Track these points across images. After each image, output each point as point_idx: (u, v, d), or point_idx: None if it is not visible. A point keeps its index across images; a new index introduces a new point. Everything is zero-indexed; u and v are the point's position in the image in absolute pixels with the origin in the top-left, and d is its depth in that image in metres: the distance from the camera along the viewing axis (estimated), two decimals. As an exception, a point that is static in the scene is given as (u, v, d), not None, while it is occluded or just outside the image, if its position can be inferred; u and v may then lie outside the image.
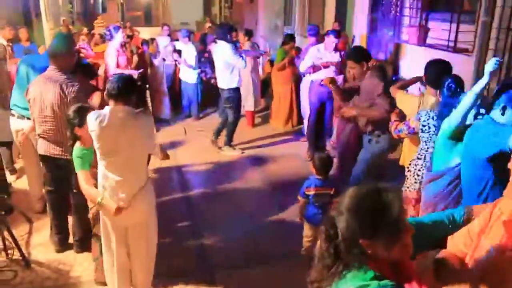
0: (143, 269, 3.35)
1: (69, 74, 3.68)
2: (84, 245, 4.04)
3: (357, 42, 8.40)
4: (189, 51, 8.03)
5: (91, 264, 3.85)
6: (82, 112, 3.26)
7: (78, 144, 3.29)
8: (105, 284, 3.53)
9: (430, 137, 3.38)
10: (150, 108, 8.26)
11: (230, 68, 6.42)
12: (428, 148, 3.43)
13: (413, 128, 3.49)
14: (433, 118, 3.36)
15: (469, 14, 5.63)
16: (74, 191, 3.66)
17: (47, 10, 15.37)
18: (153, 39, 8.52)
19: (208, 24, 14.16)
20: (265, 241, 4.33)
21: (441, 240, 1.77)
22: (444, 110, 3.10)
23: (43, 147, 3.73)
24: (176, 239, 4.43)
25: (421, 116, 3.43)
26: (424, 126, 3.41)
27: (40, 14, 14.37)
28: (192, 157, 6.64)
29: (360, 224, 1.42)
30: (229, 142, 6.87)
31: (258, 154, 6.77)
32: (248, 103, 7.87)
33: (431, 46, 6.09)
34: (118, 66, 6.91)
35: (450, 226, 1.79)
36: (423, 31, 6.29)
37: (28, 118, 4.00)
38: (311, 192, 3.67)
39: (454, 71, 5.75)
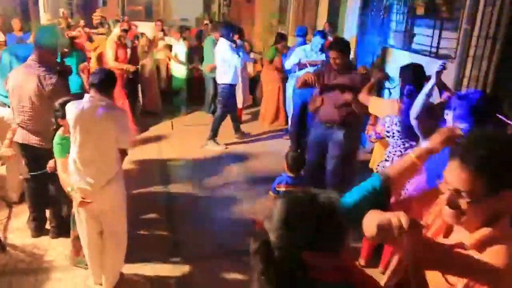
0: (112, 254, 3.47)
1: (49, 67, 3.74)
2: (60, 231, 4.14)
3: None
4: (180, 47, 8.11)
5: (66, 249, 3.95)
6: (66, 105, 3.38)
7: (59, 132, 3.42)
8: (80, 263, 3.74)
9: (396, 142, 3.46)
10: (141, 101, 8.37)
11: (226, 64, 6.63)
12: (395, 151, 3.50)
13: (379, 133, 3.58)
14: (396, 124, 3.43)
15: (452, 22, 5.74)
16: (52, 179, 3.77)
17: (45, 0, 15.43)
18: (142, 34, 8.59)
19: (206, 21, 14.21)
20: (238, 235, 4.40)
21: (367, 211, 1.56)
22: (405, 116, 3.20)
23: (22, 136, 3.81)
24: (152, 229, 4.52)
25: (386, 122, 3.51)
26: (388, 132, 3.49)
27: (37, 4, 14.43)
28: (176, 151, 6.73)
29: (299, 236, 1.28)
30: (213, 136, 6.98)
31: (241, 150, 6.87)
32: (239, 100, 7.94)
33: (415, 51, 6.19)
34: (117, 59, 6.98)
35: (371, 194, 1.62)
36: (409, 36, 6.41)
37: (9, 106, 4.07)
38: (282, 189, 3.75)
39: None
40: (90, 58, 7.88)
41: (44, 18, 15.03)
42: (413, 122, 3.02)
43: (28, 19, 13.25)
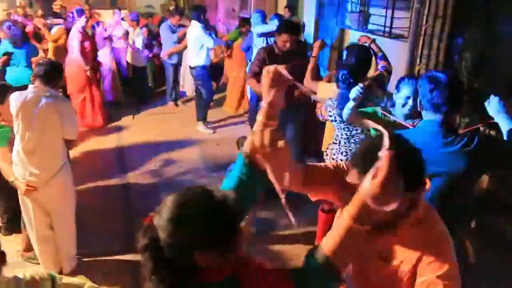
0: (63, 241, 3.50)
1: None
2: (12, 227, 4.08)
3: (308, 28, 8.51)
4: (137, 35, 7.98)
5: (18, 245, 3.89)
6: (3, 90, 3.32)
7: None
8: (31, 259, 3.73)
9: (338, 125, 3.48)
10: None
11: (199, 46, 6.68)
12: (341, 134, 3.51)
13: (323, 116, 3.60)
14: (336, 107, 3.43)
15: (406, 1, 5.78)
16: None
17: (0, -10, 14.92)
18: (100, 22, 8.44)
19: (171, 7, 14.01)
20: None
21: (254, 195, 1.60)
22: (341, 102, 3.23)
23: None
24: (108, 220, 4.48)
25: (327, 105, 3.53)
26: (330, 116, 3.51)
27: (-8, -7, 13.95)
28: (136, 140, 6.69)
29: (190, 235, 1.23)
30: (203, 118, 7.10)
31: (203, 136, 6.83)
32: (187, 87, 7.90)
33: (371, 31, 6.21)
34: (83, 50, 6.82)
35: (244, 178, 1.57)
36: (364, 17, 6.43)
37: None
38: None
39: (391, 56, 5.96)
40: (47, 50, 7.72)
41: (0, 7, 14.59)
42: (346, 120, 3.04)
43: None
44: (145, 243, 1.26)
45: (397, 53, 5.81)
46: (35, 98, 3.13)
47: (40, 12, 13.18)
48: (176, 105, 8.29)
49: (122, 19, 9.53)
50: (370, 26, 6.38)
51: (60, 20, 8.64)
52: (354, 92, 2.85)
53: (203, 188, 1.32)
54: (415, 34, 5.44)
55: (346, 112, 2.93)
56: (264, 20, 7.03)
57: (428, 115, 2.27)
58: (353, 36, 6.96)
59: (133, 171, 5.59)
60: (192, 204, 1.26)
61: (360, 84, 2.87)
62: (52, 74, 3.26)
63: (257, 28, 6.39)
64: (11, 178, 3.19)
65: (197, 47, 6.74)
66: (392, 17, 5.68)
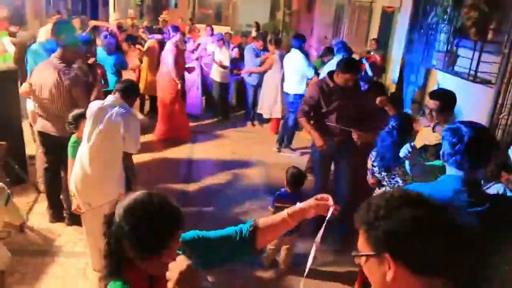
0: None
1: (68, 62, 4.05)
2: (74, 218, 4.38)
3: (392, 62, 8.33)
4: (224, 53, 8.28)
5: (75, 237, 4.20)
6: (79, 118, 3.69)
7: (74, 135, 3.75)
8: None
9: (382, 177, 3.34)
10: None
11: (300, 75, 6.83)
12: (384, 188, 3.36)
13: (371, 169, 3.45)
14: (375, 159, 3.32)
15: (497, 44, 5.45)
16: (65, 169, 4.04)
17: (115, 1, 16.32)
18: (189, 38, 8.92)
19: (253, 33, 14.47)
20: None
21: (231, 256, 1.75)
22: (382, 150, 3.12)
23: (40, 124, 4.15)
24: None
25: (372, 155, 3.41)
26: (374, 166, 3.39)
27: (107, 4, 15.28)
28: (207, 153, 6.95)
29: (128, 227, 1.40)
30: (289, 144, 7.22)
31: (271, 159, 6.88)
32: (275, 110, 7.98)
33: (456, 73, 5.93)
34: (176, 63, 7.19)
35: (237, 239, 1.73)
36: (451, 58, 6.15)
37: None
38: (279, 204, 3.76)
39: (474, 102, 5.65)
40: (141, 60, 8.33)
41: (113, 17, 15.92)
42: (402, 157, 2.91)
43: (97, 18, 14.08)
44: (105, 221, 1.49)
45: (481, 99, 5.49)
46: (110, 106, 3.43)
47: (145, 23, 14.21)
48: (253, 125, 8.47)
49: (211, 35, 10.00)
50: (456, 68, 6.09)
51: (158, 35, 9.20)
52: (403, 151, 2.74)
53: (154, 193, 1.49)
54: (502, 80, 5.12)
55: (403, 151, 2.80)
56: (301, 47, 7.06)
57: (450, 170, 2.12)
58: (437, 77, 6.70)
59: (195, 182, 5.80)
60: (135, 202, 1.45)
61: (411, 143, 2.75)
62: (130, 92, 3.62)
63: (326, 67, 6.39)
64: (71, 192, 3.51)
65: (298, 76, 6.85)
66: (479, 61, 5.37)
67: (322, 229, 1.64)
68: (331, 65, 6.28)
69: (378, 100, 4.05)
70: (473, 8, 5.23)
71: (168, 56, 7.20)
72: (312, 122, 4.53)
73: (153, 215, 1.42)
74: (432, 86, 6.98)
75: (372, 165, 3.35)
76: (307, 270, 1.63)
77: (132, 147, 3.57)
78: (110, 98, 3.51)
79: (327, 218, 1.67)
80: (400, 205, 1.24)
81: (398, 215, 1.22)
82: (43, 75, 3.98)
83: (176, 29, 7.66)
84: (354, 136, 4.23)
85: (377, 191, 3.48)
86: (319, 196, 1.78)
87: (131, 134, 3.48)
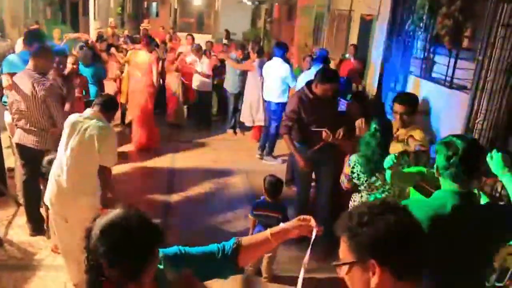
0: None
1: (43, 73, 4.04)
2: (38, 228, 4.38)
3: (372, 69, 8.45)
4: (203, 62, 8.31)
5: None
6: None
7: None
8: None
9: (361, 183, 3.37)
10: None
11: (282, 84, 6.86)
12: (361, 195, 3.41)
13: (348, 175, 3.44)
14: (361, 164, 3.33)
15: (471, 52, 5.58)
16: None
17: (96, 10, 16.25)
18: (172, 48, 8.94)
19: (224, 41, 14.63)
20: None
21: (213, 273, 1.74)
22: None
23: (18, 136, 4.13)
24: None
25: (350, 162, 3.41)
26: (353, 172, 3.39)
27: (88, 13, 15.21)
28: (189, 162, 6.94)
29: (104, 249, 1.37)
30: (271, 152, 7.24)
31: (253, 166, 6.90)
32: (258, 118, 8.02)
33: (432, 79, 6.06)
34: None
35: (219, 256, 1.72)
36: (428, 64, 6.27)
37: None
38: (259, 212, 3.78)
39: (450, 107, 5.76)
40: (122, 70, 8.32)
41: (93, 26, 15.86)
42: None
43: (77, 27, 14.00)
44: (86, 235, 1.44)
45: (456, 105, 5.61)
46: (87, 119, 3.42)
47: (126, 32, 14.17)
48: (235, 133, 8.50)
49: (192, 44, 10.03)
50: (433, 74, 6.21)
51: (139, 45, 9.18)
52: (388, 162, 2.77)
53: (132, 211, 1.45)
54: (477, 86, 5.23)
55: (388, 161, 2.79)
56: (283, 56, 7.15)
57: (445, 184, 2.14)
58: (415, 83, 6.82)
59: (177, 192, 5.80)
60: (112, 222, 1.41)
61: (394, 154, 2.79)
62: (109, 106, 3.61)
63: (302, 76, 6.41)
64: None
65: (280, 84, 6.87)
66: (454, 67, 5.50)
67: (308, 251, 1.66)
68: (308, 75, 6.33)
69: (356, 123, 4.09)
70: (447, 16, 5.36)
71: (152, 67, 7.22)
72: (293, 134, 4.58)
73: (130, 237, 1.38)
74: (411, 92, 7.10)
75: (351, 171, 3.38)
76: None
77: (109, 160, 3.55)
78: (88, 111, 3.50)
79: (311, 240, 1.69)
80: (383, 212, 1.27)
81: (382, 220, 1.25)
82: (21, 86, 3.96)
83: (153, 39, 7.66)
84: (324, 135, 4.28)
85: (354, 197, 3.53)
86: (301, 217, 1.77)
87: (107, 148, 3.46)
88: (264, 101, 7.27)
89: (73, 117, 3.45)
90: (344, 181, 3.51)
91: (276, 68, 6.89)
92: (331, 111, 4.42)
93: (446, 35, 5.33)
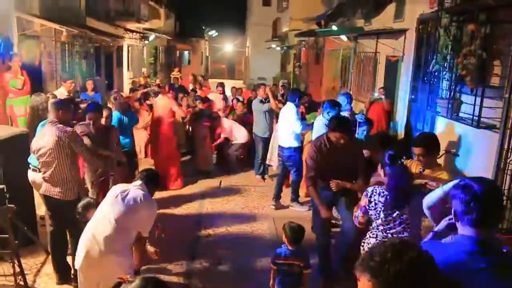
0: None
1: (65, 123, 4.27)
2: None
3: (399, 110, 8.40)
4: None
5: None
6: (87, 207, 3.92)
7: None
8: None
9: (378, 213, 3.33)
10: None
11: (290, 130, 6.80)
12: (378, 225, 3.37)
13: (365, 207, 3.41)
14: (379, 194, 3.32)
15: (499, 90, 5.48)
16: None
17: (129, 61, 16.94)
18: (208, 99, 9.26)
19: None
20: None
21: None
22: (390, 182, 3.12)
23: (44, 188, 4.27)
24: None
25: (368, 192, 3.39)
26: (370, 202, 3.37)
27: (122, 65, 15.87)
28: (216, 207, 6.98)
29: None
30: (296, 198, 7.14)
31: (280, 213, 6.86)
32: (272, 158, 8.02)
33: (460, 119, 5.94)
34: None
35: None
36: (455, 104, 6.16)
37: (40, 170, 4.50)
38: (281, 261, 3.73)
39: (479, 147, 5.61)
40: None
41: (127, 76, 16.50)
42: (426, 212, 2.90)
43: (111, 77, 14.62)
44: None
45: (486, 144, 5.47)
46: (133, 189, 3.65)
47: (158, 81, 14.66)
48: (263, 179, 8.48)
49: (222, 93, 10.30)
50: (461, 114, 6.09)
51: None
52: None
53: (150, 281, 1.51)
54: (505, 125, 5.11)
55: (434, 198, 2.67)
56: (350, 102, 7.11)
57: (463, 230, 2.02)
58: (442, 123, 6.72)
59: (204, 238, 5.85)
60: None
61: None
62: (153, 182, 3.89)
63: (321, 118, 6.33)
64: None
65: (289, 129, 6.82)
66: (481, 106, 5.39)
67: None
68: (318, 121, 6.41)
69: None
70: (469, 55, 5.31)
71: (174, 106, 7.68)
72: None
73: None
74: (439, 133, 6.98)
75: (369, 200, 3.35)
76: None
77: (147, 230, 3.73)
78: (135, 184, 3.73)
79: None
80: (404, 249, 1.38)
81: (405, 257, 1.34)
82: (44, 139, 4.17)
83: (173, 84, 8.00)
84: (332, 185, 4.44)
85: (368, 240, 3.46)
86: None
87: (147, 218, 3.67)
88: (279, 147, 7.17)
89: (119, 187, 3.69)
90: (359, 216, 3.46)
91: (286, 113, 6.90)
92: (347, 156, 4.48)
93: (468, 75, 5.26)
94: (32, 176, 4.90)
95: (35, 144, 4.23)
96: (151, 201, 3.75)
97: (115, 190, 3.62)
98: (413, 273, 1.31)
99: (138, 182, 3.74)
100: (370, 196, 3.36)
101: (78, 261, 3.51)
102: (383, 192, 3.30)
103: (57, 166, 4.12)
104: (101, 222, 3.48)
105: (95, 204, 3.87)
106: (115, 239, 3.47)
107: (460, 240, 2.03)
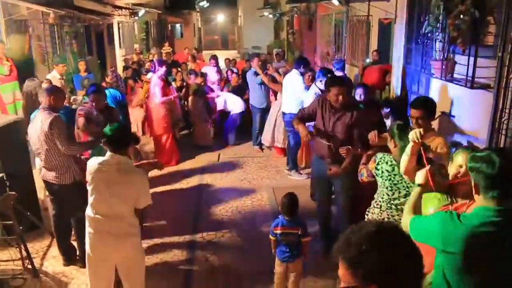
0: None
1: (51, 109, 4.15)
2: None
3: (394, 73, 8.36)
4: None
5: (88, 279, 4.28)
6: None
7: None
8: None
9: (383, 181, 3.34)
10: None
11: (296, 98, 6.76)
12: (383, 195, 3.37)
13: (371, 171, 3.44)
14: (387, 162, 3.33)
15: (493, 48, 5.44)
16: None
17: (121, 38, 16.72)
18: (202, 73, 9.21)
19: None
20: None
21: None
22: None
23: (42, 173, 4.32)
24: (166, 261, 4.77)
25: (376, 158, 3.40)
26: (377, 169, 3.38)
27: (113, 42, 15.66)
28: (216, 181, 7.06)
29: None
30: (294, 166, 7.18)
31: (280, 183, 6.94)
32: (278, 138, 7.96)
33: (452, 80, 5.91)
34: (165, 95, 7.51)
35: None
36: (449, 65, 6.13)
37: None
38: (278, 231, 3.78)
39: (474, 107, 5.62)
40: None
41: (119, 53, 16.32)
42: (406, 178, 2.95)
43: (103, 56, 14.46)
44: None
45: (481, 105, 5.47)
46: (110, 170, 3.39)
47: (150, 57, 14.51)
48: (261, 149, 8.52)
49: (215, 66, 10.23)
50: (455, 75, 6.06)
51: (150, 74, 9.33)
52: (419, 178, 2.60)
53: None
54: (499, 84, 5.09)
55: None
56: (343, 69, 7.07)
57: (485, 202, 2.03)
58: (436, 85, 6.70)
59: (206, 211, 5.95)
60: None
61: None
62: (120, 144, 3.46)
63: (313, 87, 6.31)
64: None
65: (293, 96, 6.81)
66: (474, 67, 5.35)
67: None
68: (311, 90, 6.39)
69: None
70: (461, 15, 5.24)
71: (155, 89, 7.46)
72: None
73: None
74: (434, 95, 6.97)
75: (376, 167, 3.37)
76: None
77: (146, 201, 3.54)
78: (106, 157, 3.43)
79: None
80: (380, 239, 1.38)
81: (380, 248, 1.35)
82: (34, 126, 4.17)
83: (161, 63, 7.78)
84: (342, 151, 4.36)
85: (373, 210, 3.49)
86: None
87: (142, 191, 3.48)
88: (282, 113, 7.19)
89: (93, 164, 3.42)
90: (363, 174, 3.52)
91: (291, 81, 6.89)
92: (344, 121, 4.41)
93: (459, 37, 5.20)
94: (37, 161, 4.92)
95: (28, 131, 4.24)
96: (134, 169, 3.55)
97: (94, 168, 3.40)
98: (391, 263, 1.34)
99: (108, 150, 3.44)
100: (378, 163, 3.37)
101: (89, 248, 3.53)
102: (391, 161, 3.31)
103: (47, 152, 4.12)
104: (98, 206, 3.44)
105: None
106: (125, 218, 3.45)
107: (482, 212, 2.03)
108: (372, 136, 4.03)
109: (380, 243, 1.37)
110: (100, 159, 3.45)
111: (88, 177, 3.47)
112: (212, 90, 9.28)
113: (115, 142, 3.40)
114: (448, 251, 2.02)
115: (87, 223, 3.53)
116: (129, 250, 3.53)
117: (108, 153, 3.44)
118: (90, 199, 3.47)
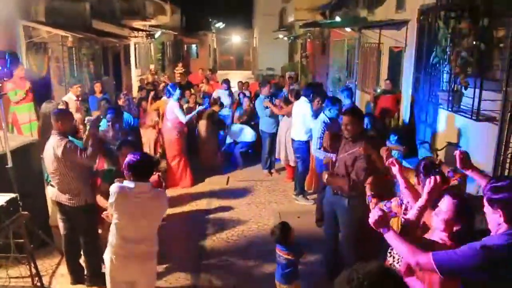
0: None
1: (63, 134, 4.27)
2: (93, 280, 4.61)
3: (403, 101, 8.46)
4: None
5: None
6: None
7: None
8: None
9: None
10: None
11: (304, 123, 6.88)
12: None
13: (395, 213, 3.37)
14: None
15: (498, 82, 5.50)
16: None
17: (137, 58, 17.08)
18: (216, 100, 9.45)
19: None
20: None
21: None
22: None
23: (54, 194, 4.46)
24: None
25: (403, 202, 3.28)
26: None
27: (129, 62, 16.01)
28: (224, 204, 7.17)
29: None
30: (301, 192, 7.25)
31: (288, 207, 7.03)
32: (291, 158, 8.08)
33: (458, 111, 5.97)
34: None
35: None
36: (455, 96, 6.18)
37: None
38: (277, 252, 3.99)
39: (479, 139, 5.67)
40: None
41: (135, 74, 16.65)
42: None
43: (120, 76, 14.78)
44: None
45: (486, 137, 5.53)
46: (133, 198, 3.41)
47: (166, 77, 14.78)
48: (270, 173, 8.62)
49: (227, 89, 10.43)
50: (462, 107, 6.10)
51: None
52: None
53: None
54: (503, 117, 5.14)
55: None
56: (351, 97, 7.18)
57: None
58: (443, 115, 6.78)
59: (212, 234, 6.06)
60: None
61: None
62: (144, 174, 3.46)
63: (322, 116, 6.18)
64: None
65: (302, 123, 6.90)
66: (479, 99, 5.42)
67: None
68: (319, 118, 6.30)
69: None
70: (461, 51, 5.34)
71: (174, 111, 7.60)
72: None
73: None
74: (441, 125, 7.05)
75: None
76: None
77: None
78: (139, 186, 3.40)
79: None
80: (381, 280, 1.50)
81: None
82: (47, 150, 4.31)
83: (174, 86, 7.96)
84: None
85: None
86: None
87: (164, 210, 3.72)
88: (292, 140, 7.25)
89: (123, 190, 3.40)
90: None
91: (300, 108, 7.00)
92: (351, 152, 4.36)
93: (461, 73, 5.31)
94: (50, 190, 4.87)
95: (44, 153, 4.41)
96: (159, 193, 3.67)
97: (124, 194, 3.39)
98: None
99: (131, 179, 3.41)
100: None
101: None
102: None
103: (61, 176, 4.27)
104: (134, 228, 3.48)
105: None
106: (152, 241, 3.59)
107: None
108: (383, 151, 3.73)
109: (381, 283, 1.49)
110: (127, 187, 3.41)
111: (113, 203, 3.39)
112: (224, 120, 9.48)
113: (142, 174, 3.42)
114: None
115: (110, 249, 3.50)
116: (149, 270, 3.65)
117: (133, 182, 3.40)
118: (117, 226, 3.46)
